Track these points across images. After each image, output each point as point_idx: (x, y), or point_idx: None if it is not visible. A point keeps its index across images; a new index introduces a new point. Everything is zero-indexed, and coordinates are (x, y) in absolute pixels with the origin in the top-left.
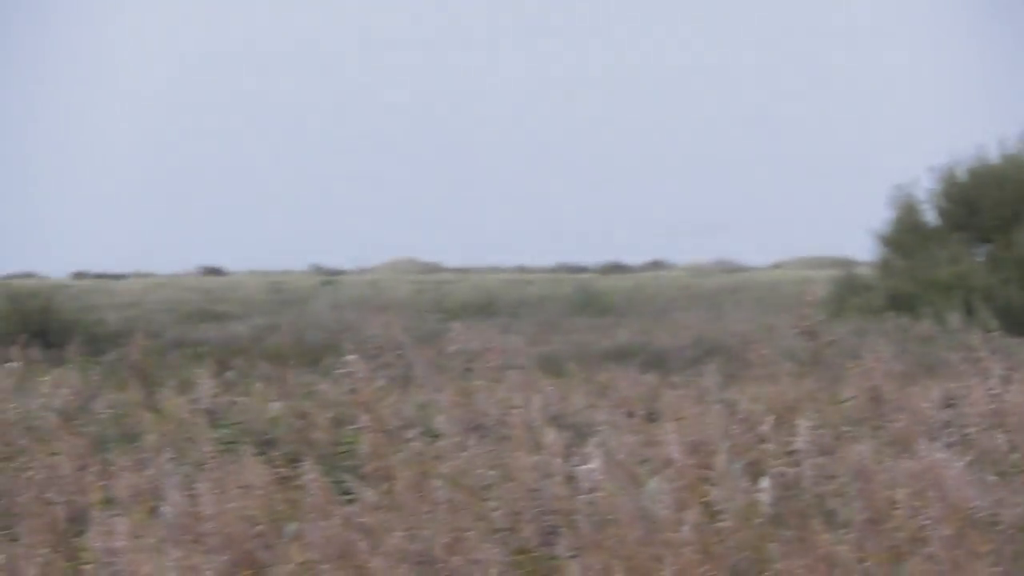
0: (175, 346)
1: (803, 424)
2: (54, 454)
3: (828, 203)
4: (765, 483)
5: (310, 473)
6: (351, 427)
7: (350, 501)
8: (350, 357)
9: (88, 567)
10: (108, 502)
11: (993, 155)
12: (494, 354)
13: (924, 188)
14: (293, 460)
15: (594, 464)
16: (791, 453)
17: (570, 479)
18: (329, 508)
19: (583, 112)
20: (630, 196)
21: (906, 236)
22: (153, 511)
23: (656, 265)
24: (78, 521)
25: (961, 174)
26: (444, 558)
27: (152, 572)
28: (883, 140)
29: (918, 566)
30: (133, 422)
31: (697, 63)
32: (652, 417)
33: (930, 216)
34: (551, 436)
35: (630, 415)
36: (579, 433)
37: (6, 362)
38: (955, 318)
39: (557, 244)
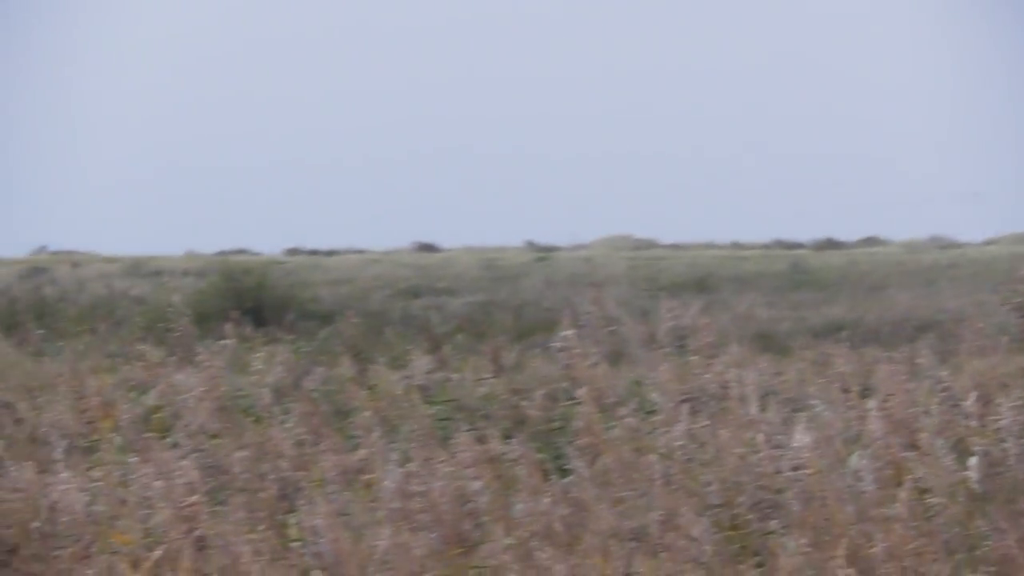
0: (389, 322)
1: (1006, 403)
2: (267, 430)
3: None
4: (973, 461)
5: (523, 449)
6: (565, 403)
7: (563, 476)
8: (564, 333)
9: (295, 543)
10: (320, 479)
11: None
12: (708, 330)
13: None
14: (507, 436)
15: (805, 439)
16: (997, 430)
17: (783, 455)
18: (541, 484)
19: (801, 84)
20: (846, 170)
21: None
22: (366, 488)
23: (871, 241)
24: (288, 498)
25: None
26: (658, 534)
27: (359, 550)
28: None
29: None
30: (346, 399)
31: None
32: (865, 393)
33: None
34: (764, 411)
35: (844, 391)
36: (793, 408)
37: (220, 339)
38: None
39: (771, 220)
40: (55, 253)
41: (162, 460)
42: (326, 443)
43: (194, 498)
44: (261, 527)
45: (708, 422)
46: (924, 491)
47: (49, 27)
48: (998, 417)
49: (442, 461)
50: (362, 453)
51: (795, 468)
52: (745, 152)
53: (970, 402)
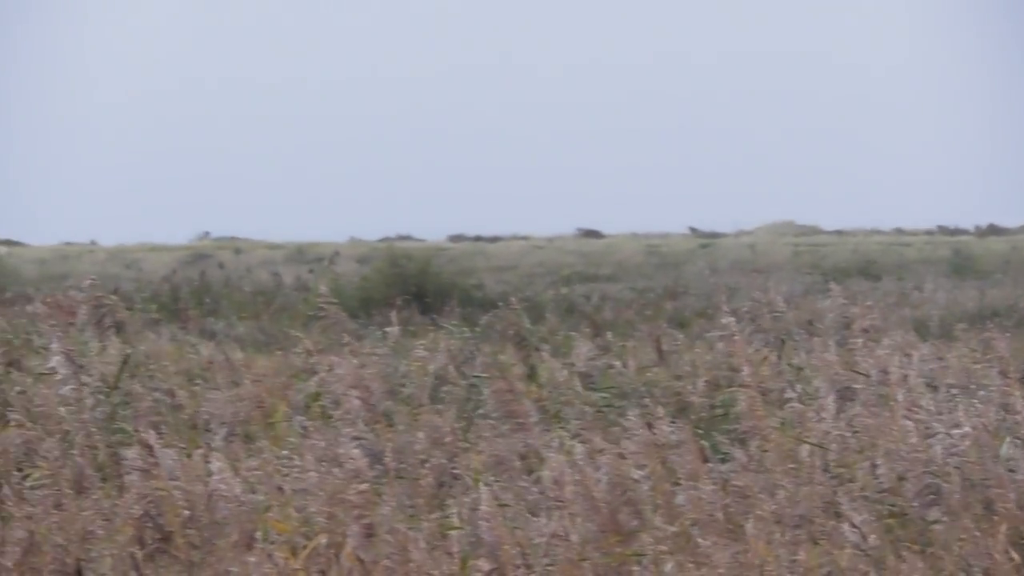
0: (551, 309)
1: None
2: (428, 417)
3: None
4: None
5: (686, 435)
6: (727, 389)
7: (723, 462)
8: (726, 319)
9: (453, 532)
10: (480, 467)
11: None
12: (870, 316)
13: None
14: (669, 423)
15: (966, 426)
16: None
17: (944, 441)
18: (703, 471)
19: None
20: (1009, 156)
21: None
22: (526, 475)
23: None
24: (447, 485)
25: None
26: (821, 521)
27: (515, 539)
28: None
29: None
30: (508, 386)
31: None
32: None
33: None
34: (926, 398)
35: (1004, 375)
36: (955, 394)
37: (383, 325)
38: None
39: (934, 206)
40: (218, 240)
41: (322, 447)
42: (491, 430)
43: (363, 486)
44: (423, 514)
45: (869, 408)
46: None
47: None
48: None
49: (601, 451)
50: (524, 439)
51: (956, 455)
52: (907, 139)
53: None
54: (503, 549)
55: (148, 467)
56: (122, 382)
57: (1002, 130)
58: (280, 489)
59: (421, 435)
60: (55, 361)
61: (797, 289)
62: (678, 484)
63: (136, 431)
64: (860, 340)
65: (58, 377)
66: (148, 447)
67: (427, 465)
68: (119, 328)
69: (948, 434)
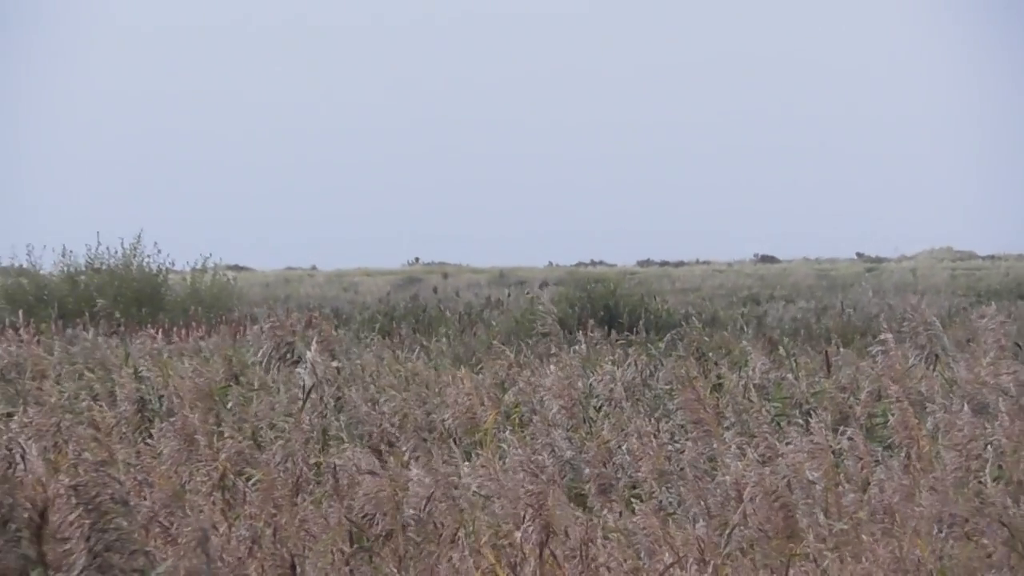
0: (730, 327)
1: None
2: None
3: None
4: None
5: (854, 441)
6: (886, 400)
7: (880, 466)
8: (885, 336)
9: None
10: (663, 471)
11: None
12: (1009, 334)
13: None
14: (834, 430)
15: None
16: None
17: None
18: (869, 474)
19: None
20: None
21: None
22: (709, 477)
23: None
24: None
25: None
26: (969, 517)
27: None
28: None
29: None
30: (695, 395)
31: None
32: None
33: None
34: None
35: None
36: None
37: (575, 342)
38: None
39: None
40: (427, 265)
41: (520, 453)
42: (677, 435)
43: (552, 488)
44: (604, 513)
45: (1012, 419)
46: None
47: None
48: None
49: (777, 455)
50: (708, 445)
51: None
52: None
53: None
54: (678, 545)
55: (369, 471)
56: (341, 392)
57: None
58: (477, 494)
59: (624, 445)
60: (301, 372)
61: (953, 309)
62: (845, 485)
63: (354, 438)
64: (1003, 355)
65: (278, 387)
66: (378, 452)
67: (614, 468)
68: (330, 344)
69: None
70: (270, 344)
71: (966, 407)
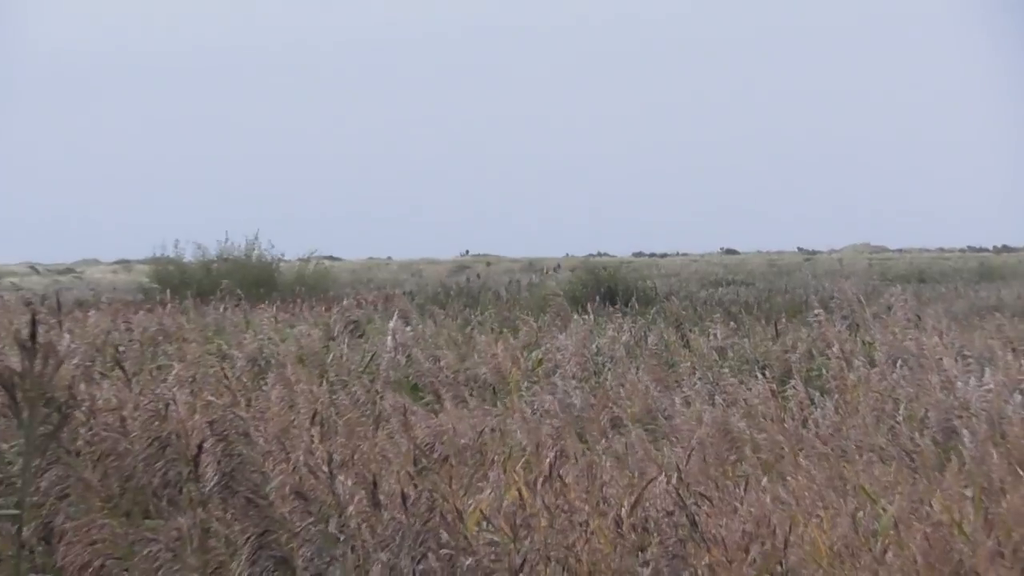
0: (700, 303)
1: None
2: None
3: None
4: None
5: (796, 388)
6: (819, 357)
7: (812, 407)
8: (819, 311)
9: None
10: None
11: None
12: (909, 308)
13: None
14: (781, 380)
15: (986, 381)
16: None
17: (974, 393)
18: (807, 413)
19: None
20: None
21: None
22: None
23: None
24: (615, 426)
25: None
26: (884, 446)
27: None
28: None
29: None
30: (672, 354)
31: None
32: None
33: None
34: (952, 363)
35: (1014, 350)
36: (978, 363)
37: (585, 314)
38: None
39: (968, 227)
40: (475, 256)
41: (541, 399)
42: (662, 383)
43: (557, 424)
44: (597, 443)
45: (914, 372)
46: None
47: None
48: None
49: (737, 400)
50: (685, 392)
51: (986, 401)
52: (951, 172)
53: None
54: (645, 471)
55: (430, 412)
56: (409, 351)
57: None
58: (495, 430)
59: (622, 391)
60: (389, 336)
61: (869, 290)
62: (789, 422)
63: (421, 385)
64: (904, 325)
65: (366, 345)
66: (437, 395)
67: (611, 412)
68: (403, 315)
69: (977, 387)
70: (341, 322)
71: (881, 363)
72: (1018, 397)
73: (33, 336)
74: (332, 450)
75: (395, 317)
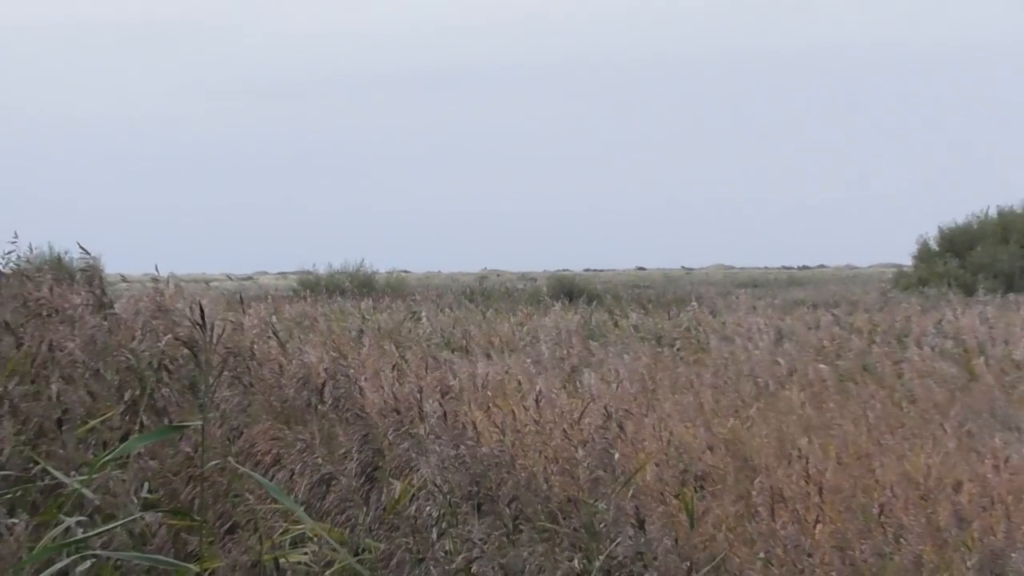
0: (624, 300)
1: None
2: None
3: None
4: None
5: (674, 349)
6: (690, 331)
7: (682, 361)
8: (693, 304)
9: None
10: (597, 363)
11: None
12: (746, 302)
13: None
14: (669, 345)
15: (788, 348)
16: None
17: (776, 353)
18: (688, 367)
19: None
20: None
21: None
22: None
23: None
24: (577, 371)
25: None
26: (723, 386)
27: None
28: None
29: None
30: (606, 330)
31: None
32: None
33: None
34: (766, 338)
35: (808, 328)
36: (780, 335)
37: (553, 307)
38: None
39: (782, 251)
40: (489, 269)
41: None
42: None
43: (533, 370)
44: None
45: (738, 345)
46: None
47: None
48: None
49: (637, 356)
50: (609, 356)
51: (780, 357)
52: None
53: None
54: (601, 395)
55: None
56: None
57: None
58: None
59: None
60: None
61: (725, 292)
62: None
63: (453, 348)
64: (741, 312)
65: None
66: (467, 351)
67: (569, 363)
68: (446, 305)
69: (782, 350)
70: (407, 310)
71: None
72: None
73: (202, 314)
74: (405, 384)
75: (434, 310)
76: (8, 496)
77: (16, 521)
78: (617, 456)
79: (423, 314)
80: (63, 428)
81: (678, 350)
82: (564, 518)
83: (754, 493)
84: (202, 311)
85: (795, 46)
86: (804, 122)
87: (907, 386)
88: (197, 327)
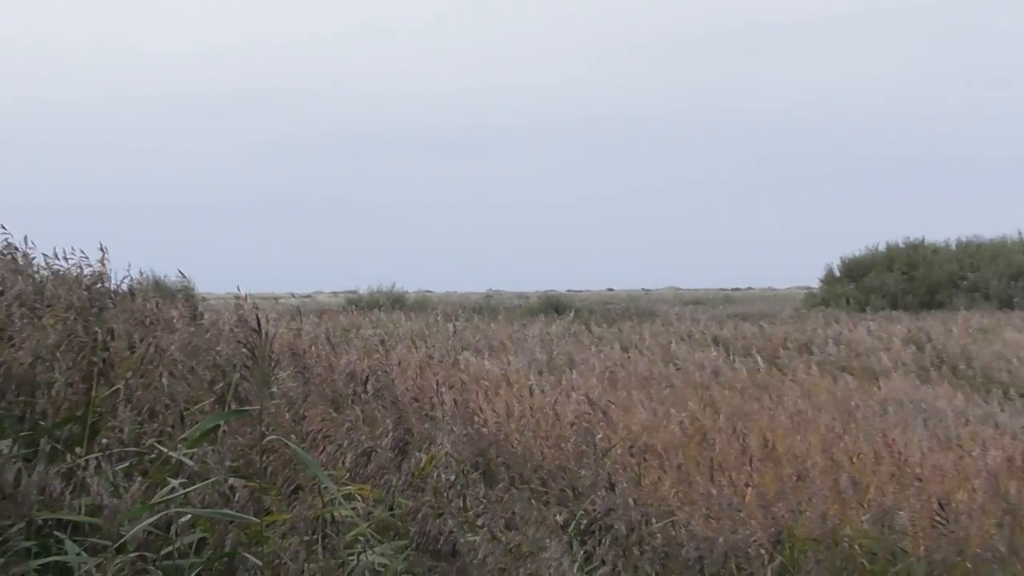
0: (597, 314)
1: None
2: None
3: None
4: None
5: (637, 351)
6: (653, 338)
7: (641, 357)
8: (654, 317)
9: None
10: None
11: None
12: (688, 318)
13: None
14: (624, 350)
15: (717, 353)
16: None
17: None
18: (634, 359)
19: None
20: None
21: None
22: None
23: None
24: (563, 369)
25: None
26: (668, 378)
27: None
28: None
29: None
30: (582, 335)
31: None
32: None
33: None
34: (709, 343)
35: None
36: (730, 350)
37: (543, 318)
38: None
39: (719, 274)
40: (493, 290)
41: (510, 360)
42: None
43: (519, 366)
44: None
45: (691, 347)
46: None
47: None
48: None
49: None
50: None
51: (708, 360)
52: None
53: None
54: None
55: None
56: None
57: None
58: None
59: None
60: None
61: (676, 309)
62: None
63: (463, 348)
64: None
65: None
66: (478, 351)
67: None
68: (456, 318)
69: (712, 355)
70: (432, 321)
71: (674, 340)
72: (734, 359)
73: (258, 322)
74: (431, 375)
75: (452, 321)
76: (128, 464)
77: (133, 483)
78: (599, 437)
79: (451, 325)
80: (168, 412)
81: (641, 352)
82: (552, 482)
83: (698, 464)
84: (258, 321)
85: (742, 118)
86: (744, 172)
87: (812, 380)
88: (254, 333)
